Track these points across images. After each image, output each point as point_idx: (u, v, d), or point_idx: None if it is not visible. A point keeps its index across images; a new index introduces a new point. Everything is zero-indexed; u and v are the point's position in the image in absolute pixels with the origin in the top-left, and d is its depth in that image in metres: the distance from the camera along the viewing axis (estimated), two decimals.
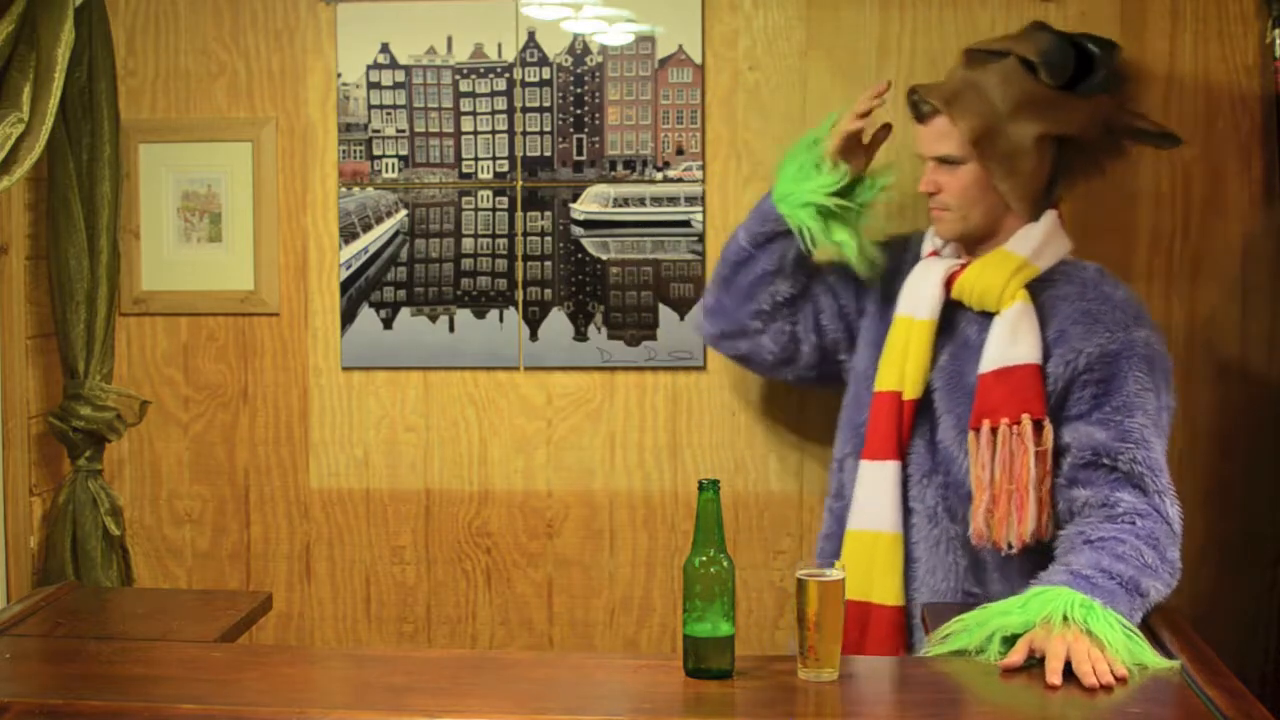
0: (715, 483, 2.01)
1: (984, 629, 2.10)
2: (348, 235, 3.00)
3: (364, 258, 3.00)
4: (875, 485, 2.47)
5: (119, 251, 2.90)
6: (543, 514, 3.01)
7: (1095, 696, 1.93)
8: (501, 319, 2.99)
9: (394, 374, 3.02)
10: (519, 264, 2.98)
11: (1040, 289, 2.42)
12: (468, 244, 2.99)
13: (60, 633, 2.35)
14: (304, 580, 3.06)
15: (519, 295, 2.98)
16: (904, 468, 2.47)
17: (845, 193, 2.60)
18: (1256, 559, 2.85)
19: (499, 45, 2.95)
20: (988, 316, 2.42)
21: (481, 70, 2.96)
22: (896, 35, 2.86)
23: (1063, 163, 2.48)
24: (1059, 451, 2.35)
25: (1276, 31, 2.73)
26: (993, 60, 2.45)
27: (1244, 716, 1.86)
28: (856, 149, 2.60)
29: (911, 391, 2.47)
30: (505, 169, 2.97)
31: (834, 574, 2.00)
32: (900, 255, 2.63)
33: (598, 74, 2.94)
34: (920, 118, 2.48)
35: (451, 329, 3.00)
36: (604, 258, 2.96)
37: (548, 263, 2.97)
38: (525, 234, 2.98)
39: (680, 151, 2.93)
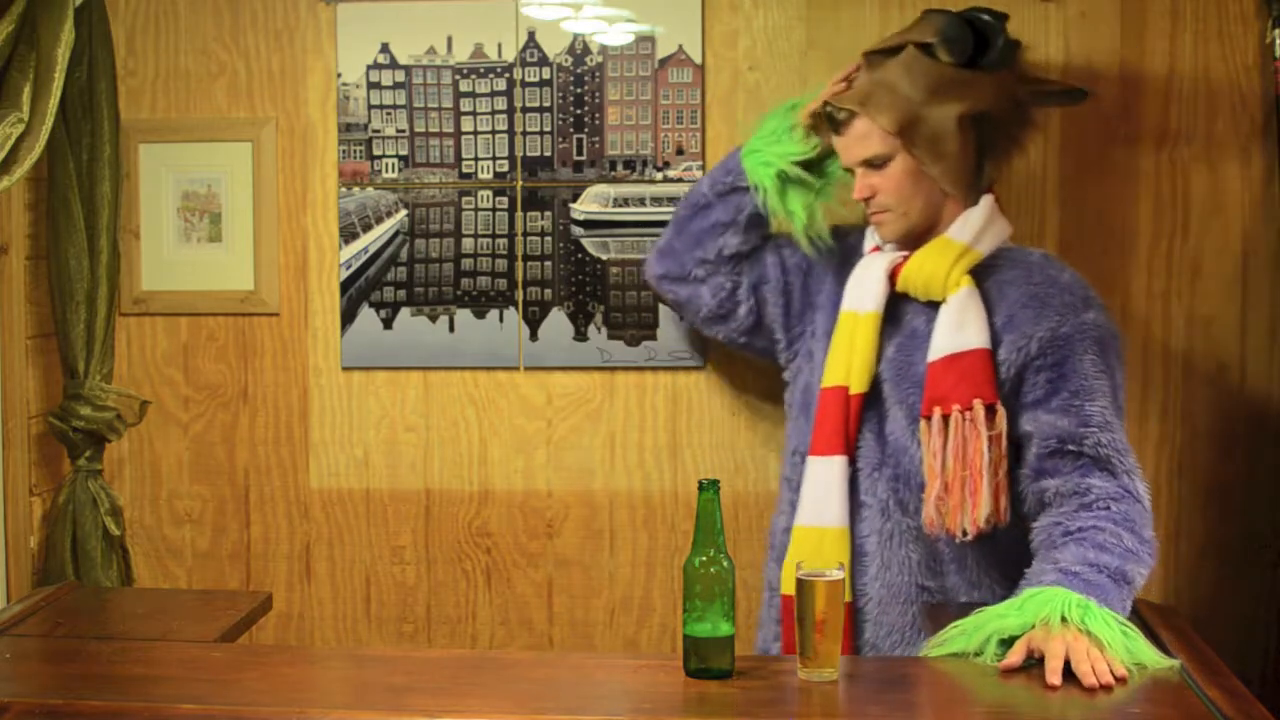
0: (715, 483, 2.01)
1: (981, 632, 2.09)
2: (348, 235, 3.00)
3: (364, 258, 3.00)
4: (823, 480, 2.47)
5: (119, 251, 2.90)
6: (543, 514, 3.01)
7: (1095, 696, 1.93)
8: (501, 319, 2.99)
9: (394, 374, 3.02)
10: (519, 264, 2.98)
11: (984, 275, 2.43)
12: (468, 244, 2.99)
13: (60, 633, 2.35)
14: (304, 580, 3.06)
15: (519, 295, 2.98)
16: (852, 462, 2.47)
17: (812, 167, 2.62)
18: (1256, 559, 2.85)
19: (499, 45, 2.95)
20: (934, 306, 2.43)
21: (481, 70, 2.96)
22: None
23: (983, 142, 2.48)
24: (1020, 441, 2.35)
25: (1276, 31, 2.73)
26: (891, 56, 2.46)
27: (1244, 716, 1.86)
28: (816, 114, 2.61)
29: (858, 386, 2.46)
30: (505, 169, 2.97)
31: (834, 574, 2.00)
32: (853, 250, 2.63)
33: (598, 74, 2.94)
34: (837, 128, 2.48)
35: (451, 329, 3.00)
36: (604, 258, 2.96)
37: (548, 263, 2.97)
38: (525, 234, 2.98)
39: (680, 151, 2.93)
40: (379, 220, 3.00)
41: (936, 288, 2.41)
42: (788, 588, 2.49)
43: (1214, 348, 2.85)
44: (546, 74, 2.95)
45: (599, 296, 2.96)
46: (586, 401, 2.98)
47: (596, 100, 2.94)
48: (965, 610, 2.18)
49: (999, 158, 2.55)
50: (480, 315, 2.99)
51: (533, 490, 3.01)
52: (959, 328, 2.37)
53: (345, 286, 3.01)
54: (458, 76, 2.97)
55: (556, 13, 2.93)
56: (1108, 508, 2.22)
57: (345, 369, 3.02)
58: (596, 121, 2.94)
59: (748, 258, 2.71)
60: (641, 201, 2.94)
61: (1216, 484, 2.86)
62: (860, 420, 2.47)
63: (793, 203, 2.63)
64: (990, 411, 2.32)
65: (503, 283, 2.99)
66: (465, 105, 2.97)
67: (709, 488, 2.00)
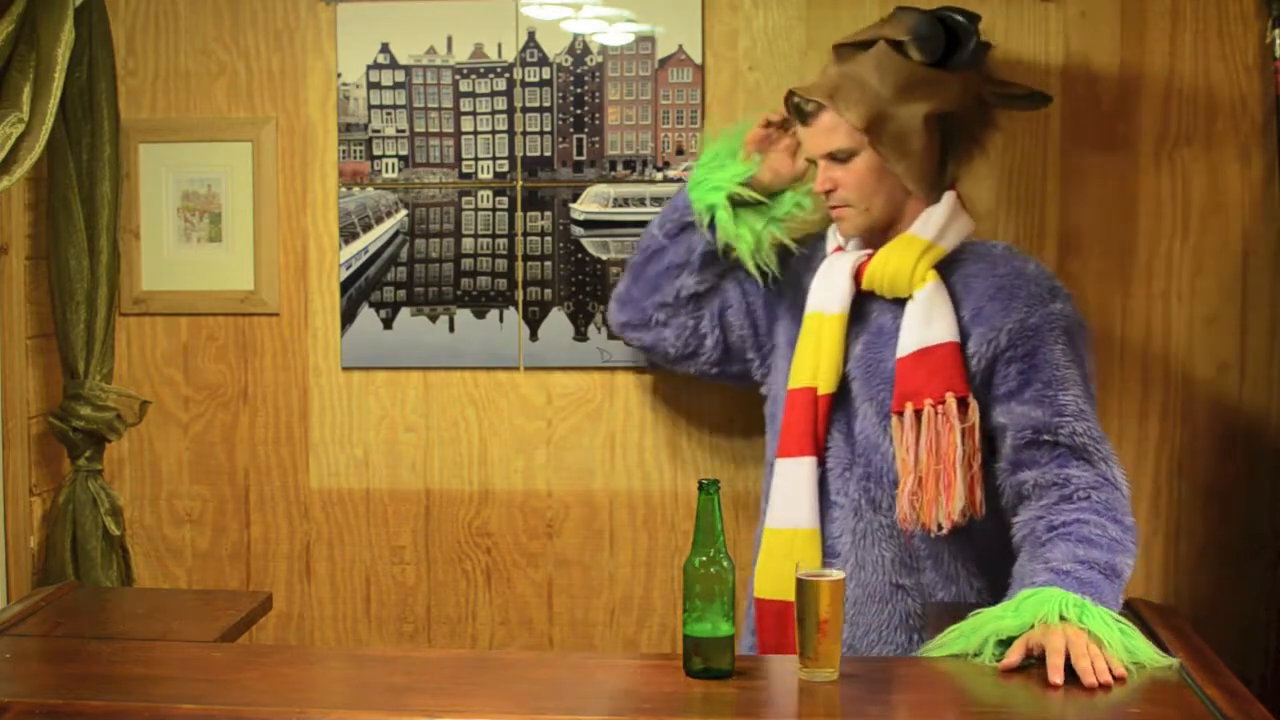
0: (715, 483, 2.01)
1: (979, 633, 2.09)
2: (348, 235, 3.00)
3: (364, 258, 3.00)
4: (792, 482, 2.47)
5: (119, 251, 2.90)
6: (543, 514, 3.01)
7: (1095, 696, 1.93)
8: (501, 319, 2.99)
9: (394, 374, 3.02)
10: (519, 264, 2.98)
11: (949, 269, 2.43)
12: (468, 244, 2.99)
13: (60, 633, 2.35)
14: (304, 580, 3.06)
15: (519, 295, 2.98)
16: (821, 463, 2.47)
17: (762, 191, 2.62)
18: (1256, 559, 2.85)
19: (499, 45, 2.95)
20: (900, 303, 2.43)
21: (481, 70, 2.96)
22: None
23: (947, 141, 2.48)
24: (993, 434, 2.36)
25: (1276, 31, 2.73)
26: (862, 50, 2.46)
27: (1244, 716, 1.86)
28: (782, 154, 2.60)
29: (826, 386, 2.46)
30: (505, 169, 2.97)
31: (834, 574, 2.00)
32: (811, 256, 2.63)
33: (598, 74, 2.94)
34: (804, 119, 2.47)
35: (451, 329, 3.00)
36: (604, 258, 2.96)
37: (548, 263, 2.97)
38: (525, 234, 2.98)
39: (680, 151, 2.93)
40: (379, 220, 3.00)
41: (902, 284, 2.41)
42: (761, 591, 2.49)
43: (1214, 348, 2.85)
44: (546, 74, 2.95)
45: (599, 296, 2.96)
46: (586, 401, 2.98)
47: (596, 100, 2.94)
48: (962, 612, 2.18)
49: (961, 157, 2.55)
50: (480, 315, 2.99)
51: (533, 490, 3.01)
52: (927, 322, 2.37)
53: (345, 286, 3.01)
54: (458, 76, 2.97)
55: (556, 13, 2.93)
56: (1088, 497, 2.23)
57: (345, 369, 3.02)
58: (596, 121, 2.94)
59: (706, 295, 2.71)
60: (641, 201, 2.93)
61: (1216, 484, 2.86)
62: (829, 420, 2.47)
63: (741, 226, 2.62)
64: (962, 404, 2.33)
65: (503, 283, 2.99)
66: (465, 105, 2.97)
67: (709, 488, 2.00)
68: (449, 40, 2.96)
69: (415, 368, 3.01)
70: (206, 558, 3.08)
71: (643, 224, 2.92)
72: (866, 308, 2.48)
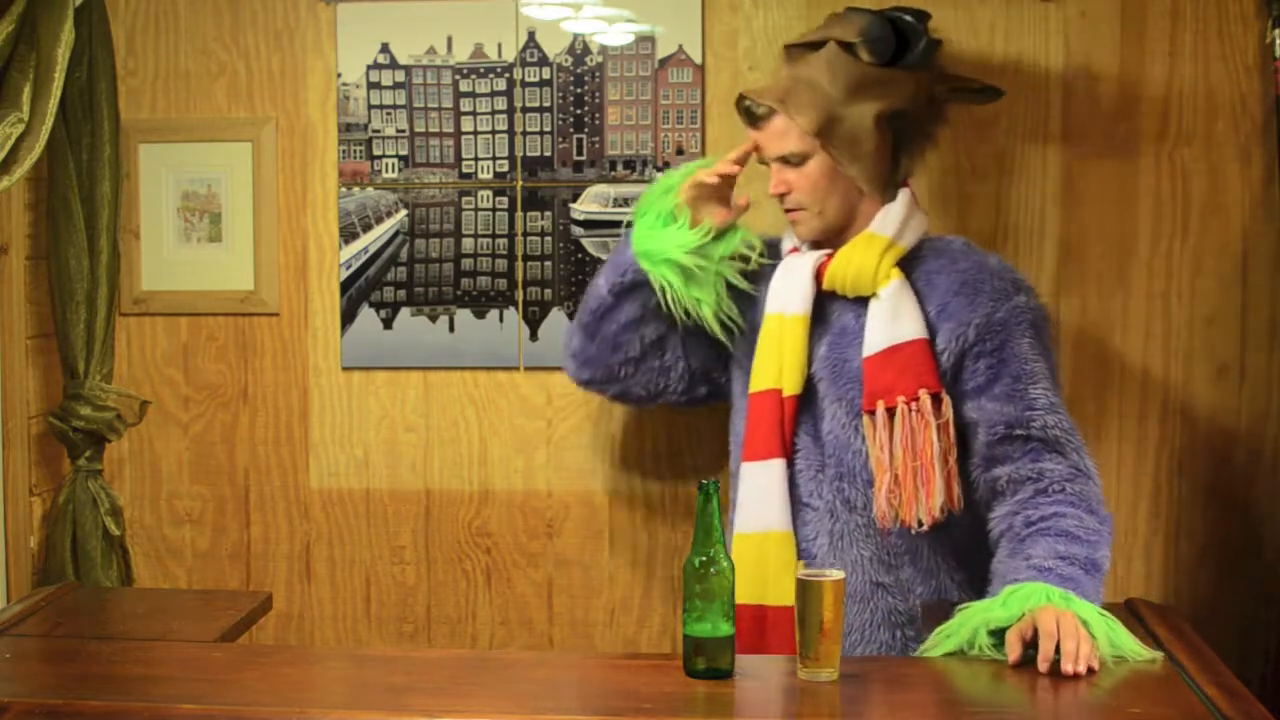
0: (715, 483, 2.01)
1: (968, 626, 2.11)
2: (348, 235, 3.00)
3: (364, 258, 3.00)
4: (762, 485, 2.44)
5: (119, 251, 2.90)
6: (543, 514, 3.01)
7: (1081, 689, 1.94)
8: (501, 319, 2.99)
9: (394, 374, 3.02)
10: (519, 264, 2.98)
11: (910, 267, 2.43)
12: (468, 244, 2.99)
13: (60, 633, 2.35)
14: (304, 580, 3.06)
15: (519, 295, 2.98)
16: (790, 465, 2.45)
17: (703, 247, 2.54)
18: (1256, 559, 2.85)
19: (499, 45, 2.95)
20: (862, 302, 2.42)
21: (481, 70, 2.96)
22: None
23: (900, 138, 2.48)
24: (965, 429, 2.36)
25: (1276, 31, 2.73)
26: (812, 51, 2.45)
27: (1244, 716, 1.86)
28: (714, 203, 2.55)
29: (791, 387, 2.45)
30: (505, 169, 2.97)
31: (835, 574, 2.00)
32: (774, 261, 2.61)
33: (598, 74, 2.94)
34: (754, 122, 2.47)
35: (451, 329, 3.00)
36: (604, 258, 2.96)
37: (548, 263, 2.97)
38: (525, 234, 2.98)
39: (680, 151, 2.92)
40: (379, 220, 3.00)
41: (866, 282, 2.41)
42: (736, 597, 2.44)
43: (1214, 348, 2.85)
44: (546, 74, 2.95)
45: None
46: (586, 401, 2.98)
47: (596, 100, 2.94)
48: (951, 609, 2.19)
49: (914, 154, 2.54)
50: (480, 315, 2.99)
51: (533, 490, 3.00)
52: (894, 320, 2.37)
53: (345, 286, 3.01)
54: (458, 76, 2.97)
55: (556, 13, 2.93)
56: (1063, 490, 2.25)
57: (345, 369, 3.02)
58: (596, 121, 2.94)
59: (667, 335, 2.65)
60: None
61: (1216, 484, 2.86)
62: (795, 422, 2.46)
63: (695, 290, 2.55)
64: (936, 400, 2.33)
65: (503, 283, 2.99)
66: (465, 105, 2.97)
67: (708, 488, 2.00)
68: (449, 40, 2.96)
69: (415, 368, 3.01)
70: (206, 558, 3.08)
71: None
72: (827, 308, 2.47)
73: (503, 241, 2.98)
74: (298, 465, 3.05)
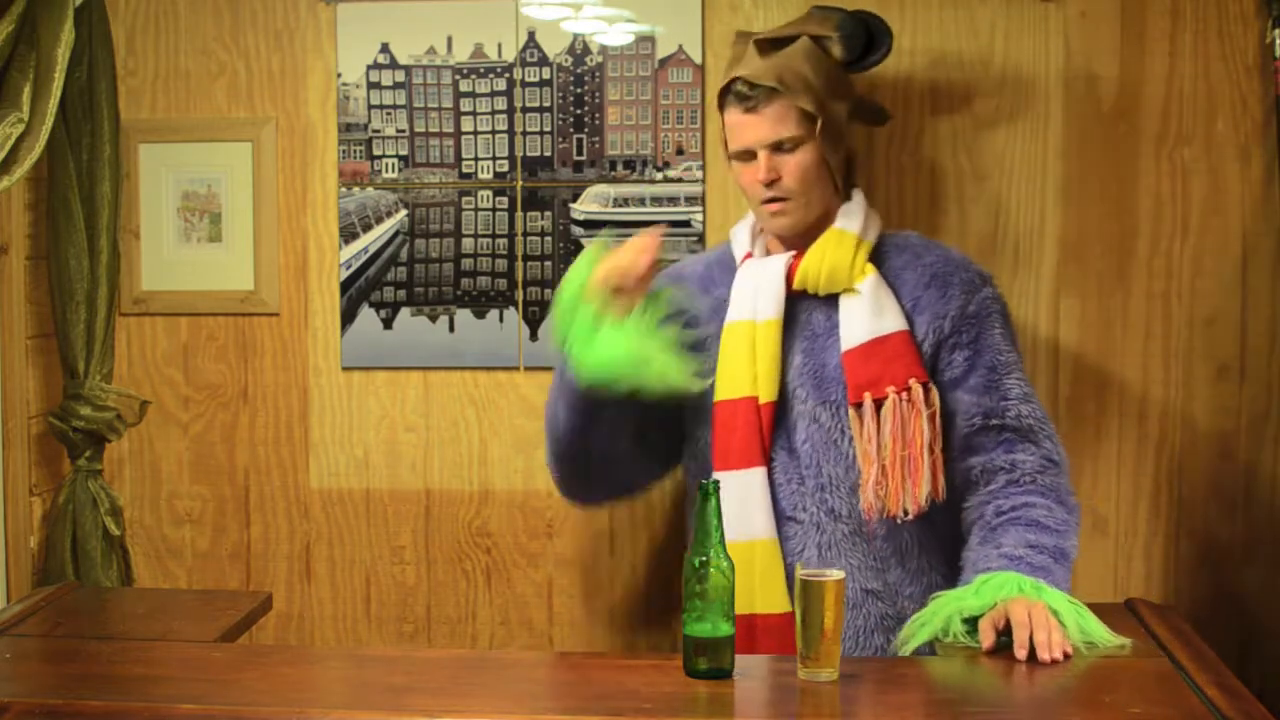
0: (716, 483, 2.01)
1: (940, 615, 2.15)
2: (348, 235, 3.00)
3: (364, 258, 3.00)
4: (743, 494, 2.39)
5: (119, 251, 2.90)
6: (543, 514, 3.01)
7: (1083, 690, 1.94)
8: (501, 319, 2.99)
9: (394, 374, 3.02)
10: (519, 264, 2.98)
11: (875, 263, 2.44)
12: (468, 244, 2.99)
13: (60, 633, 2.35)
14: (304, 580, 3.06)
15: (519, 295, 2.98)
16: (770, 475, 2.41)
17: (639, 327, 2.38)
18: (1256, 559, 2.85)
19: (499, 45, 2.95)
20: (830, 301, 2.42)
21: (481, 70, 2.96)
22: (896, 35, 2.84)
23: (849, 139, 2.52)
24: (942, 420, 2.37)
25: (1276, 31, 2.73)
26: (786, 44, 2.45)
27: (1244, 716, 1.86)
28: (637, 284, 2.37)
29: (767, 394, 2.41)
30: (505, 169, 2.97)
31: (835, 574, 2.00)
32: (708, 276, 2.54)
33: (598, 74, 2.94)
34: (748, 107, 2.40)
35: (451, 329, 3.00)
36: None
37: (548, 263, 2.97)
38: (525, 234, 2.98)
39: (680, 151, 2.93)
40: (379, 220, 3.00)
41: (842, 278, 2.40)
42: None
43: (1214, 348, 2.85)
44: (546, 74, 2.95)
45: None
46: None
47: (596, 100, 2.94)
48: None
49: (855, 157, 2.58)
50: (480, 315, 2.99)
51: (533, 490, 3.00)
52: (877, 313, 2.37)
53: (345, 286, 3.01)
54: (458, 76, 2.97)
55: (556, 13, 2.93)
56: (1034, 480, 2.30)
57: (345, 369, 3.02)
58: (596, 121, 2.94)
59: (652, 415, 2.48)
60: (641, 201, 2.93)
61: (1216, 484, 2.86)
62: (772, 431, 2.42)
63: (654, 369, 2.36)
64: (925, 389, 2.35)
65: (503, 283, 2.99)
66: (465, 105, 2.97)
67: (709, 488, 2.00)
68: (449, 40, 2.96)
69: (415, 368, 3.01)
70: (206, 558, 3.08)
71: (643, 224, 2.91)
72: (793, 309, 2.45)
73: (503, 241, 2.98)
74: (298, 465, 3.05)
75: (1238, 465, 2.86)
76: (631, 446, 2.54)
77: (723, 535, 2.00)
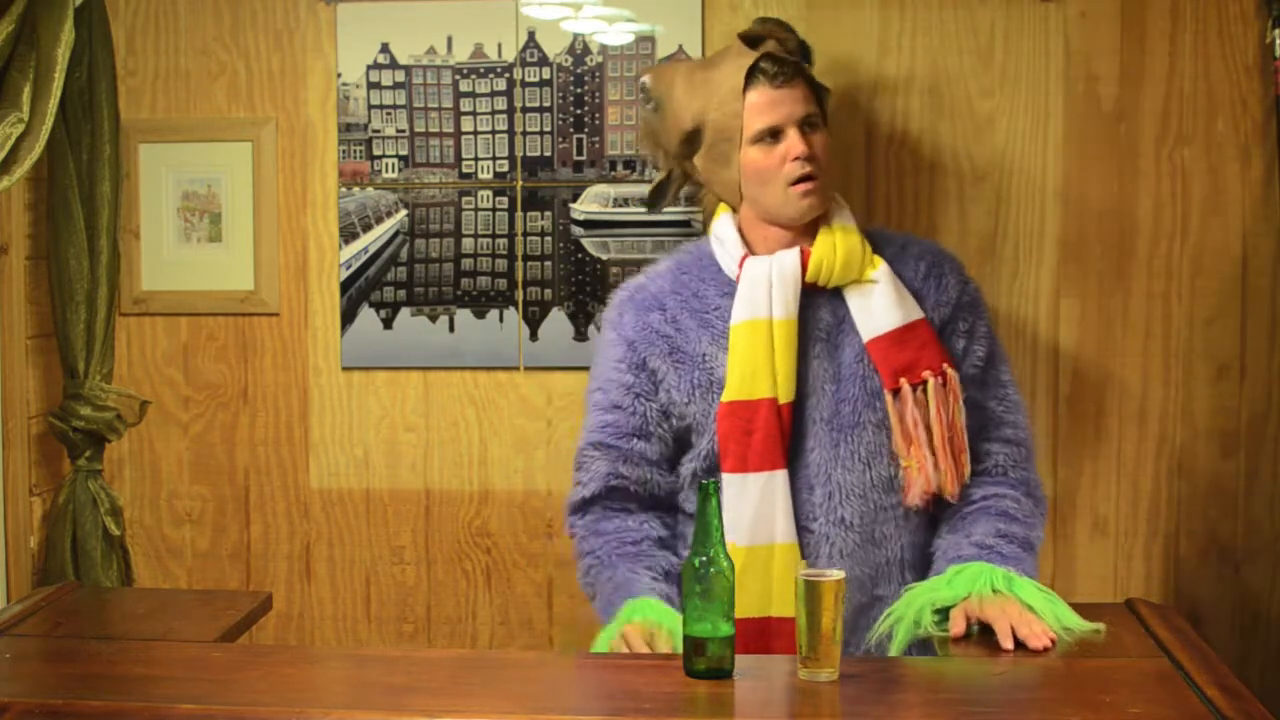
0: (716, 483, 2.01)
1: (913, 606, 2.19)
2: (348, 235, 3.00)
3: (364, 258, 3.00)
4: (764, 497, 2.35)
5: (119, 251, 2.90)
6: (543, 514, 3.01)
7: (1083, 690, 1.94)
8: (501, 319, 2.99)
9: (394, 374, 3.02)
10: (519, 264, 2.98)
11: None
12: (468, 244, 2.99)
13: (60, 633, 2.35)
14: (304, 580, 3.06)
15: (519, 295, 2.98)
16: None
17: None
18: (1256, 559, 2.85)
19: (499, 45, 2.95)
20: (834, 297, 2.40)
21: (481, 70, 2.96)
22: (896, 35, 2.86)
23: None
24: None
25: (1276, 31, 2.73)
26: (760, 43, 2.48)
27: (1244, 716, 1.86)
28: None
29: (786, 395, 2.37)
30: (505, 169, 2.97)
31: (835, 574, 2.00)
32: (681, 292, 2.46)
33: (598, 74, 2.94)
34: (780, 84, 2.38)
35: (451, 329, 3.00)
36: (604, 258, 2.96)
37: (548, 263, 2.97)
38: (525, 234, 2.98)
39: None
40: (379, 220, 3.00)
41: (855, 268, 2.39)
42: (741, 610, 2.30)
43: (1214, 348, 2.85)
44: (546, 74, 2.95)
45: (599, 296, 2.96)
46: None
47: (596, 100, 2.94)
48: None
49: None
50: (480, 315, 2.99)
51: (533, 490, 3.00)
52: (901, 300, 2.38)
53: (345, 286, 3.01)
54: (458, 76, 2.97)
55: (556, 13, 2.93)
56: (1005, 473, 2.38)
57: (345, 369, 3.02)
58: (596, 121, 2.94)
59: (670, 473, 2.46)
60: (642, 201, 2.93)
61: (1216, 484, 2.86)
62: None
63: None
64: (954, 374, 2.38)
65: (503, 283, 2.99)
66: (465, 105, 2.97)
67: (709, 488, 2.00)
68: (449, 40, 2.96)
69: (415, 368, 3.01)
70: (206, 558, 3.08)
71: (642, 224, 2.92)
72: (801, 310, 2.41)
73: (503, 241, 2.98)
74: (298, 465, 3.05)
75: (1238, 465, 2.86)
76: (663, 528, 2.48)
77: (723, 535, 2.00)
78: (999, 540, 2.26)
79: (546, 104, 2.95)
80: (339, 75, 2.98)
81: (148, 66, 3.02)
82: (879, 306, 2.38)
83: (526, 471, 3.00)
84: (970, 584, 2.18)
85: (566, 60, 2.94)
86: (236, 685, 2.05)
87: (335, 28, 2.98)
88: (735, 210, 2.47)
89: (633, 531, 2.41)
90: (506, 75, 2.96)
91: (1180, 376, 2.86)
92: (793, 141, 2.36)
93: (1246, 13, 2.79)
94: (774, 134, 2.37)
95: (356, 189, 3.00)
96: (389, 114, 2.98)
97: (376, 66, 2.98)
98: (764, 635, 2.35)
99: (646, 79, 2.55)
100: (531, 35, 2.94)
